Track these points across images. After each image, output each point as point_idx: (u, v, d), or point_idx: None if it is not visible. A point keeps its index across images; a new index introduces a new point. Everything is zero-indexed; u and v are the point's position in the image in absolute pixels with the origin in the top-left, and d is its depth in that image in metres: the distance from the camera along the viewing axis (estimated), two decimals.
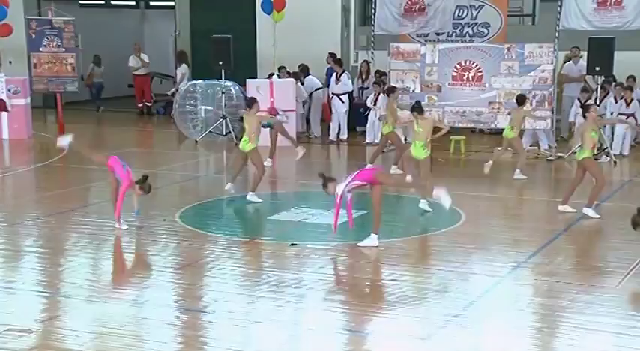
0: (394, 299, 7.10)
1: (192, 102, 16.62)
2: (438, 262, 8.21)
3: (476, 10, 16.95)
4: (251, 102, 10.97)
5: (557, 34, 14.73)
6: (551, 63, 14.37)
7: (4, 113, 16.21)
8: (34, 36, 16.84)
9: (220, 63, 16.04)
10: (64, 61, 17.02)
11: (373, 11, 16.77)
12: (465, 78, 14.92)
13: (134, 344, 6.10)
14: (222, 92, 16.16)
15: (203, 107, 16.49)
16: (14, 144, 15.91)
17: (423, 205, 10.24)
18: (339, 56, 17.87)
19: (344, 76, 16.73)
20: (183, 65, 19.21)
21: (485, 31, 16.89)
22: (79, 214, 9.93)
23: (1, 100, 16.16)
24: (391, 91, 13.20)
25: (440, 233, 9.37)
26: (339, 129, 16.48)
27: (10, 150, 15.60)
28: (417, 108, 10.63)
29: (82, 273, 7.96)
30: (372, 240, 8.58)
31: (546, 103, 14.38)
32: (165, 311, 6.77)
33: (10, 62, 18.44)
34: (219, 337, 6.29)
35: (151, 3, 24.65)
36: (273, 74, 16.11)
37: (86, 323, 6.51)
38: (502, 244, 8.90)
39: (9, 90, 16.29)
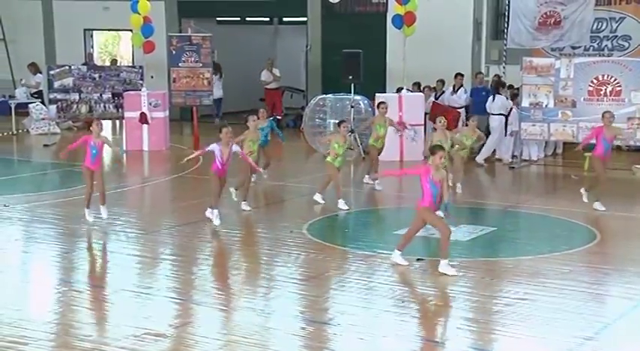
0: (522, 318, 6.92)
1: (321, 116, 16.85)
2: (569, 282, 7.93)
3: (616, 22, 16.36)
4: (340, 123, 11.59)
5: None
6: None
7: (145, 125, 16.96)
8: (174, 52, 17.57)
9: (350, 77, 16.19)
10: (201, 76, 17.65)
11: (506, 25, 16.48)
12: (602, 93, 14.39)
13: None
14: (352, 106, 16.29)
15: (332, 121, 16.67)
16: (153, 155, 16.63)
17: None
18: (469, 71, 17.73)
19: (461, 90, 16.75)
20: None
21: (626, 44, 16.26)
22: (211, 225, 10.23)
23: (143, 113, 16.93)
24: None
25: (572, 252, 9.05)
26: None
27: (149, 161, 16.31)
28: None
29: (213, 281, 8.20)
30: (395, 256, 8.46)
31: None
32: (291, 322, 6.87)
33: (152, 77, 19.31)
34: (344, 350, 6.32)
35: (284, 19, 25.19)
36: (402, 88, 16.11)
37: (216, 330, 6.70)
38: None
39: (150, 103, 17.05)
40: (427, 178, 8.13)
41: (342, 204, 11.14)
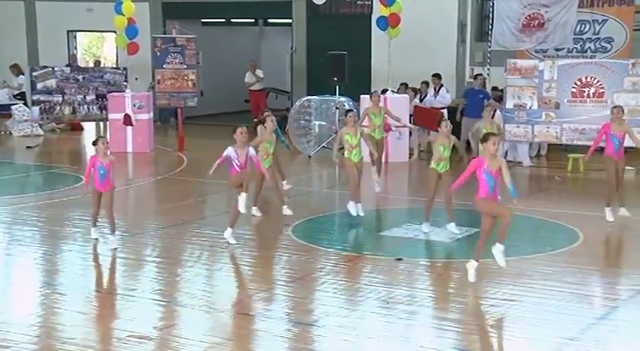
0: (507, 319, 6.95)
1: (306, 117, 16.86)
2: (553, 282, 7.96)
3: (599, 24, 16.44)
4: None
5: None
6: None
7: (129, 127, 16.88)
8: (158, 53, 17.50)
9: (335, 79, 16.19)
10: (186, 78, 17.59)
11: (490, 27, 16.54)
12: (585, 94, 14.48)
13: None
14: (336, 108, 16.30)
15: (317, 123, 16.69)
16: (137, 157, 16.56)
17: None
18: (454, 72, 17.76)
19: (442, 90, 16.77)
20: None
21: (609, 46, 16.35)
22: (195, 226, 10.21)
23: (127, 114, 16.85)
24: None
25: (556, 253, 9.09)
26: None
27: (133, 162, 16.24)
28: None
29: (198, 283, 8.18)
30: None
31: None
32: (276, 324, 6.86)
33: (136, 79, 19.21)
34: None
35: (269, 20, 25.17)
36: (387, 90, 16.13)
37: (200, 333, 6.67)
38: (624, 267, 8.54)
39: (134, 105, 16.97)
40: (482, 169, 7.79)
41: (352, 207, 10.38)
